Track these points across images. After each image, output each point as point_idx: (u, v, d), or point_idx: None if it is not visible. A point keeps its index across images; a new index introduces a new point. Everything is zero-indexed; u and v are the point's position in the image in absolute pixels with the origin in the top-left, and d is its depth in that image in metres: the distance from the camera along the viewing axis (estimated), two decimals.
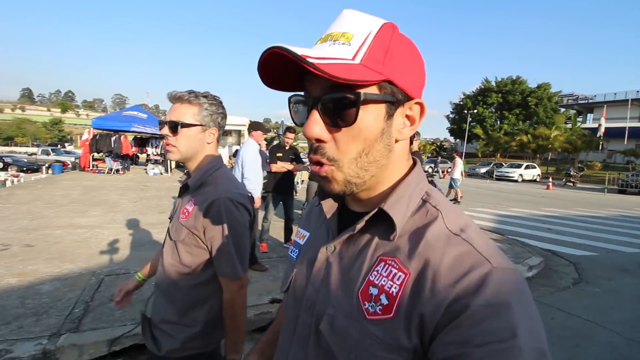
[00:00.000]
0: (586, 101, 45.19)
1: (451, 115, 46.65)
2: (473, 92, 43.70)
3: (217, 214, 1.12)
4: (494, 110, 41.50)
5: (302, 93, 0.52)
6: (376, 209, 0.52)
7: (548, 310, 3.53)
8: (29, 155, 26.42)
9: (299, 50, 0.43)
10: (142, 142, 16.91)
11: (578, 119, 41.78)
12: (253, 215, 1.24)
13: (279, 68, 0.48)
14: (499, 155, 36.98)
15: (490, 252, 0.46)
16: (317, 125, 0.48)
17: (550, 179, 19.87)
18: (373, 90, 0.47)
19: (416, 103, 0.51)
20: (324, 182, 0.53)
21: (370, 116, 0.48)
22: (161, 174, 15.20)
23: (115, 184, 11.00)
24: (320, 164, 0.51)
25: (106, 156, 14.72)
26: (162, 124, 1.19)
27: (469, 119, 36.96)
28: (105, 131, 15.15)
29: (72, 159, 21.47)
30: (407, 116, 0.52)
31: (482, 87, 42.47)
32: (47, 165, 18.48)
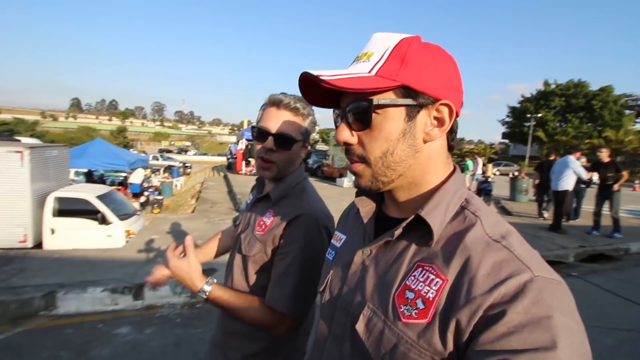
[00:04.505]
0: None
1: (507, 119, 47.34)
2: (532, 94, 44.29)
3: (296, 231, 0.97)
4: (555, 113, 42.03)
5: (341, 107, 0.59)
6: (413, 216, 0.53)
7: None
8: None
9: (316, 72, 0.51)
10: None
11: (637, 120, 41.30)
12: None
13: (318, 89, 0.56)
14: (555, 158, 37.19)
15: (533, 261, 0.45)
16: (344, 131, 0.56)
17: (638, 181, 21.02)
18: (389, 96, 0.52)
19: (442, 104, 0.53)
20: (356, 177, 0.59)
21: (389, 119, 0.53)
22: None
23: None
24: (353, 162, 0.58)
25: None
26: (264, 133, 0.99)
27: (533, 122, 37.70)
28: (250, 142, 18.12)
29: (177, 164, 24.84)
30: (435, 118, 0.54)
31: (544, 90, 43.08)
32: (163, 169, 21.12)
